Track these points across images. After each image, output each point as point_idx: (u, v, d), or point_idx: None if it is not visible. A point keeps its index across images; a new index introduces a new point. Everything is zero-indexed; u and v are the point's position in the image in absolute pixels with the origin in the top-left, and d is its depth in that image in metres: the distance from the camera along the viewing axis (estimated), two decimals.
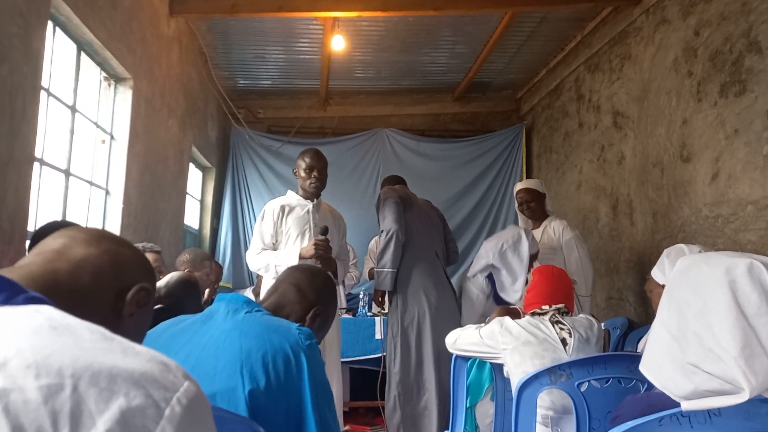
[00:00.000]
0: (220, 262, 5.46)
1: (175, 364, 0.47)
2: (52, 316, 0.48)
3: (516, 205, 3.73)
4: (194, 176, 5.33)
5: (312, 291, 1.42)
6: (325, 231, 2.71)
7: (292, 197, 2.93)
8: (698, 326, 1.01)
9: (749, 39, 2.94)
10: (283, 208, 2.85)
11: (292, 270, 1.51)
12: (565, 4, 4.17)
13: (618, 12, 4.25)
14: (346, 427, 1.54)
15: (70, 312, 0.51)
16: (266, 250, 2.79)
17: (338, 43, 4.58)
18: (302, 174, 2.87)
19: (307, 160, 2.86)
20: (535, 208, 3.55)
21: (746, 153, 2.93)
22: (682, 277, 1.11)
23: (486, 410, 2.38)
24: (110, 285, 0.77)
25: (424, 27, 4.64)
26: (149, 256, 2.56)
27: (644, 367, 1.13)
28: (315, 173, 2.84)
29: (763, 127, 2.82)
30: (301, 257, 2.67)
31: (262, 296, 1.51)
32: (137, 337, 0.79)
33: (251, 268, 2.83)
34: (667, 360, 1.07)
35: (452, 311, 3.11)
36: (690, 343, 1.02)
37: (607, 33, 4.43)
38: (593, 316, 2.16)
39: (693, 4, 3.42)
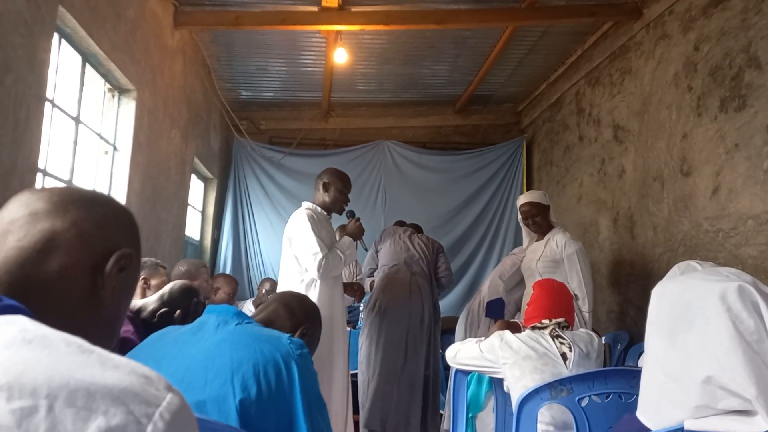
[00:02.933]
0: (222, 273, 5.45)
1: (157, 376, 0.45)
2: (26, 328, 0.45)
3: (519, 218, 3.64)
4: (196, 187, 5.34)
5: (301, 311, 1.51)
6: (353, 213, 3.05)
7: (314, 208, 2.94)
8: (706, 364, 0.97)
9: (749, 54, 2.96)
10: (318, 217, 2.89)
11: (281, 294, 1.62)
12: (566, 19, 4.20)
13: (619, 26, 4.28)
14: None
15: (40, 303, 0.48)
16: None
17: (340, 56, 4.61)
18: (337, 195, 2.94)
19: (348, 186, 3.02)
20: (541, 222, 3.42)
21: (746, 167, 2.93)
22: (670, 309, 1.07)
23: (487, 421, 2.36)
24: (84, 261, 0.64)
25: (426, 40, 4.68)
26: (162, 271, 2.52)
27: (642, 414, 1.08)
28: (347, 200, 3.03)
29: (763, 141, 2.83)
30: (354, 238, 2.93)
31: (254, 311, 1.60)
32: (121, 308, 0.70)
33: (321, 272, 2.70)
34: (666, 403, 1.03)
35: (400, 327, 3.46)
36: (695, 382, 0.98)
37: (608, 47, 4.46)
38: (594, 331, 2.15)
39: (693, 20, 3.44)
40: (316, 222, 2.81)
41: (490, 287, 3.76)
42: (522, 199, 3.56)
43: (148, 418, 0.41)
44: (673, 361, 1.03)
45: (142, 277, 2.45)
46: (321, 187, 2.95)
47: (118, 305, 0.68)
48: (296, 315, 1.47)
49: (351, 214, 3.03)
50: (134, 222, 0.74)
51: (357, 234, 2.96)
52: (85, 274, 0.64)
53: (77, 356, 0.43)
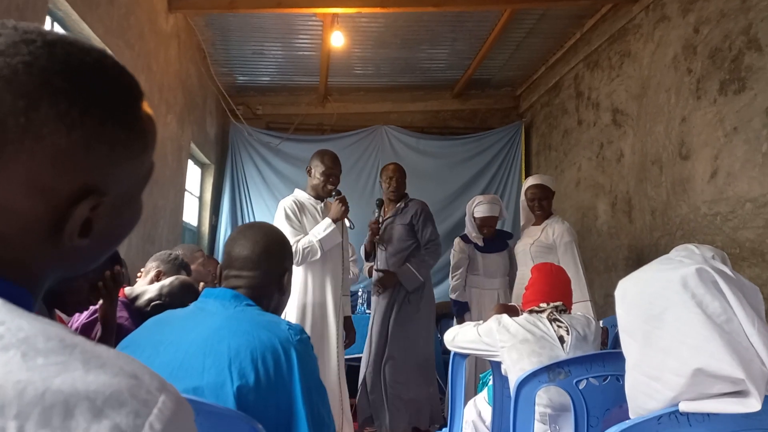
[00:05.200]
0: (220, 259, 5.45)
1: (148, 374, 0.40)
2: (1, 320, 0.38)
3: (524, 200, 3.58)
4: (193, 173, 5.32)
5: (273, 263, 1.33)
6: (338, 191, 2.88)
7: (302, 196, 2.93)
8: (691, 357, 0.98)
9: (749, 36, 2.93)
10: (299, 204, 2.85)
11: (248, 256, 1.34)
12: (565, 1, 4.16)
13: (617, 9, 4.24)
14: None
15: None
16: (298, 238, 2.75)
17: (337, 40, 4.57)
18: (318, 176, 2.85)
19: (328, 163, 2.86)
20: (546, 206, 3.44)
21: (745, 151, 2.93)
22: (636, 310, 1.07)
23: None
24: (36, 225, 0.46)
25: (423, 24, 4.63)
26: (183, 275, 2.29)
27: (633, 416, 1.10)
28: (332, 179, 2.87)
29: (762, 125, 2.82)
30: (335, 221, 2.76)
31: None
32: (106, 249, 0.54)
33: (296, 260, 2.66)
34: (654, 402, 1.03)
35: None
36: (682, 376, 0.98)
37: (607, 30, 4.42)
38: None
39: (692, 2, 3.41)
40: (294, 211, 2.77)
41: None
42: (532, 181, 3.53)
43: (137, 430, 0.36)
44: (651, 361, 1.04)
45: (157, 269, 2.26)
46: (307, 174, 2.94)
47: (95, 256, 0.55)
48: (273, 271, 1.33)
49: (337, 194, 2.87)
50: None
51: (337, 215, 2.79)
52: (42, 237, 0.48)
53: (56, 356, 0.37)
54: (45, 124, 0.44)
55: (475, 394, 2.57)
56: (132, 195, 0.54)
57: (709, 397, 0.98)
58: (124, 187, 0.52)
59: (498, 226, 3.90)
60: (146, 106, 0.53)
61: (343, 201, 2.82)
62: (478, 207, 3.70)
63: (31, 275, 0.48)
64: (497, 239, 3.79)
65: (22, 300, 0.44)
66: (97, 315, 1.73)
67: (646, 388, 1.05)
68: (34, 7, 2.31)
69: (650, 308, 1.04)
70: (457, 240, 3.83)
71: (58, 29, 2.76)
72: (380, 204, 3.47)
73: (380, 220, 3.39)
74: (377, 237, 3.38)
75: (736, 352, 0.94)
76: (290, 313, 2.75)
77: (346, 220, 2.86)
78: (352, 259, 4.68)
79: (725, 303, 0.97)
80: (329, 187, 2.86)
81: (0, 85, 0.43)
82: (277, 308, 1.38)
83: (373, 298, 3.46)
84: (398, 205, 3.43)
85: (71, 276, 0.54)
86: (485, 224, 3.67)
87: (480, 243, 3.71)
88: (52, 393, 0.35)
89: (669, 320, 1.01)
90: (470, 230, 3.75)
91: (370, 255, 3.48)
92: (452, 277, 3.75)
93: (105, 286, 1.58)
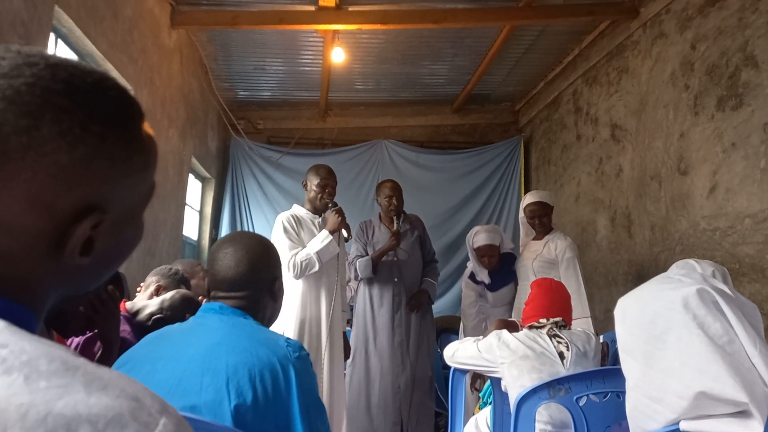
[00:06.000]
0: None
1: (150, 397, 0.40)
2: (5, 343, 0.38)
3: (523, 216, 3.52)
4: (194, 187, 5.33)
5: (263, 277, 1.31)
6: (335, 203, 2.86)
7: (299, 210, 2.94)
8: (693, 379, 0.98)
9: (745, 53, 2.96)
10: (296, 219, 2.86)
11: (235, 274, 1.31)
12: (564, 18, 4.20)
13: (616, 26, 4.28)
14: None
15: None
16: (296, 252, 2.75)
17: (338, 56, 4.61)
18: (314, 188, 2.86)
19: (322, 174, 2.87)
20: (546, 222, 3.40)
21: (744, 166, 2.94)
22: (637, 329, 1.07)
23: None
24: (38, 242, 0.47)
25: (423, 40, 4.67)
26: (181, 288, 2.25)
27: None
28: (328, 190, 2.87)
29: (761, 140, 2.83)
30: (332, 232, 2.75)
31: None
32: (108, 268, 0.55)
33: (295, 273, 2.68)
34: (656, 424, 1.03)
35: None
36: (685, 398, 0.98)
37: (605, 46, 4.46)
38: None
39: (690, 19, 3.45)
40: (292, 224, 2.79)
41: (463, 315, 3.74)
42: (530, 198, 3.48)
43: None
44: (653, 382, 1.04)
45: (156, 284, 2.20)
46: (303, 188, 2.96)
47: (100, 274, 0.55)
48: (263, 285, 1.30)
49: (333, 205, 2.86)
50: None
51: (334, 226, 2.77)
52: (42, 254, 0.48)
53: (59, 378, 0.37)
54: (47, 142, 0.45)
55: (478, 406, 2.56)
56: (133, 214, 0.55)
57: (710, 416, 0.97)
58: (126, 205, 0.52)
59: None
60: (147, 126, 0.54)
61: (339, 212, 2.80)
62: (477, 237, 3.51)
63: (34, 294, 0.48)
64: (503, 270, 3.53)
65: (25, 320, 0.45)
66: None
67: (647, 409, 1.05)
68: (39, 22, 2.33)
69: (651, 328, 1.04)
70: (465, 281, 3.65)
71: (61, 46, 2.78)
72: (399, 216, 3.36)
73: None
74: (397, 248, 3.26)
75: (738, 374, 0.94)
76: (288, 328, 2.74)
77: (343, 231, 2.85)
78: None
79: (726, 324, 0.97)
80: (326, 199, 2.85)
81: (3, 105, 0.44)
82: (272, 317, 1.37)
83: (376, 314, 3.40)
84: (401, 220, 3.39)
85: (74, 295, 0.54)
86: (485, 254, 3.45)
87: (487, 280, 3.49)
88: (54, 416, 0.35)
89: (671, 341, 1.01)
90: (475, 266, 3.52)
91: (376, 267, 3.25)
92: (466, 318, 3.59)
93: (91, 307, 1.54)
